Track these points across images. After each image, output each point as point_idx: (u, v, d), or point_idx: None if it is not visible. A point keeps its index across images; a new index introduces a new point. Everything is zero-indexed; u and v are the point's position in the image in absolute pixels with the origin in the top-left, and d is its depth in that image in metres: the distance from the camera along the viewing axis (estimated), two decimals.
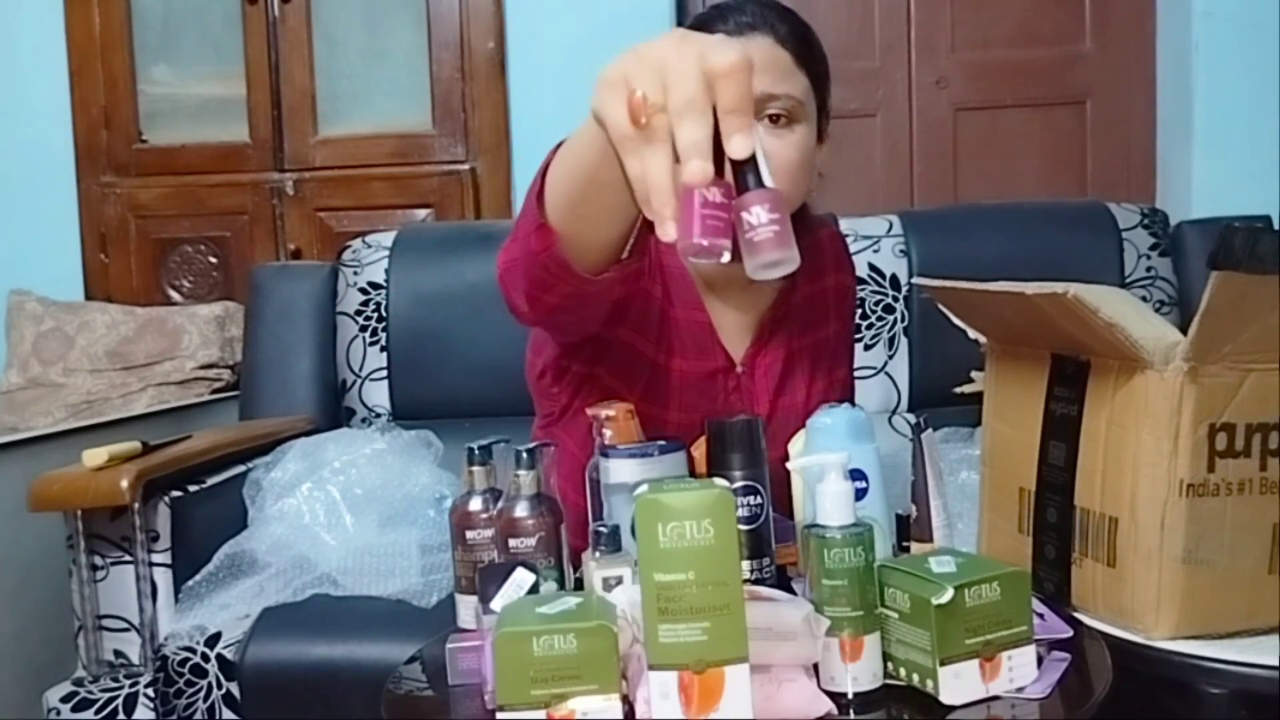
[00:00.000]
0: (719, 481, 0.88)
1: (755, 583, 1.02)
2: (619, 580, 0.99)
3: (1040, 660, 0.94)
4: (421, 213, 2.66)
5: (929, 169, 2.77)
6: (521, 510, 1.07)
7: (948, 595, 0.87)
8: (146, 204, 2.74)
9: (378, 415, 2.01)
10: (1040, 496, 1.17)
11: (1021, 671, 0.91)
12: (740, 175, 0.68)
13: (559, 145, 0.90)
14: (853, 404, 1.16)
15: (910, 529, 1.17)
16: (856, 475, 1.02)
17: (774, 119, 1.13)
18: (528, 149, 2.61)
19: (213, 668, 1.49)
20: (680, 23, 2.64)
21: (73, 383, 2.42)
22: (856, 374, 1.95)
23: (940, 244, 2.01)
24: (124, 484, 1.48)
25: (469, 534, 1.13)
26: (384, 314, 2.02)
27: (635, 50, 0.70)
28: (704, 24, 1.17)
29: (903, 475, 1.22)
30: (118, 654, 1.54)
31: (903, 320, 1.98)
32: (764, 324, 1.24)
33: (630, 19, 2.56)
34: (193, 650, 1.50)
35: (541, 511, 1.07)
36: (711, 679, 0.81)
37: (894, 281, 1.98)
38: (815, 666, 0.89)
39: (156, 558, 1.56)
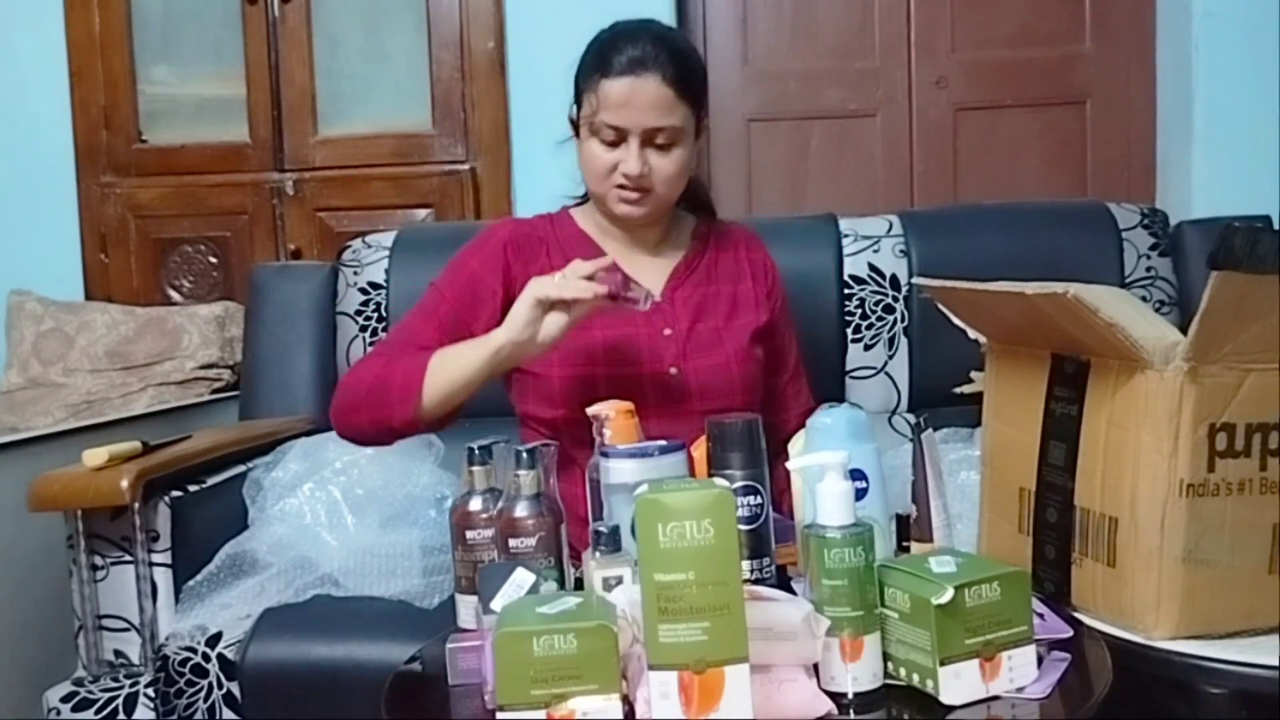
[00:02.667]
0: (719, 481, 0.88)
1: (755, 583, 1.02)
2: (619, 580, 0.99)
3: (1040, 660, 0.94)
4: (421, 213, 2.66)
5: (929, 169, 2.77)
6: (521, 510, 1.07)
7: (948, 595, 0.87)
8: (146, 204, 2.74)
9: None
10: (1040, 496, 1.18)
11: (1021, 671, 0.92)
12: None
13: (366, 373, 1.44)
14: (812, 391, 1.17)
15: (910, 529, 1.17)
16: (856, 475, 1.02)
17: (659, 146, 1.42)
18: (528, 149, 2.61)
19: (213, 668, 1.49)
20: (680, 23, 2.64)
21: (73, 383, 2.42)
22: (856, 374, 1.98)
23: (940, 244, 2.01)
24: (124, 484, 1.48)
25: (469, 534, 1.13)
26: (384, 314, 2.01)
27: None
28: (604, 53, 1.42)
29: (903, 475, 1.22)
30: (118, 654, 1.54)
31: (903, 320, 1.98)
32: (678, 268, 1.54)
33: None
34: (194, 650, 1.50)
35: (541, 511, 1.07)
36: (711, 679, 0.81)
37: (894, 281, 1.98)
38: (815, 666, 0.89)
39: (156, 558, 1.56)
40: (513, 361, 1.37)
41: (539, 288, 1.31)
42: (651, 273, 1.52)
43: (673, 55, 1.42)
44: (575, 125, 1.50)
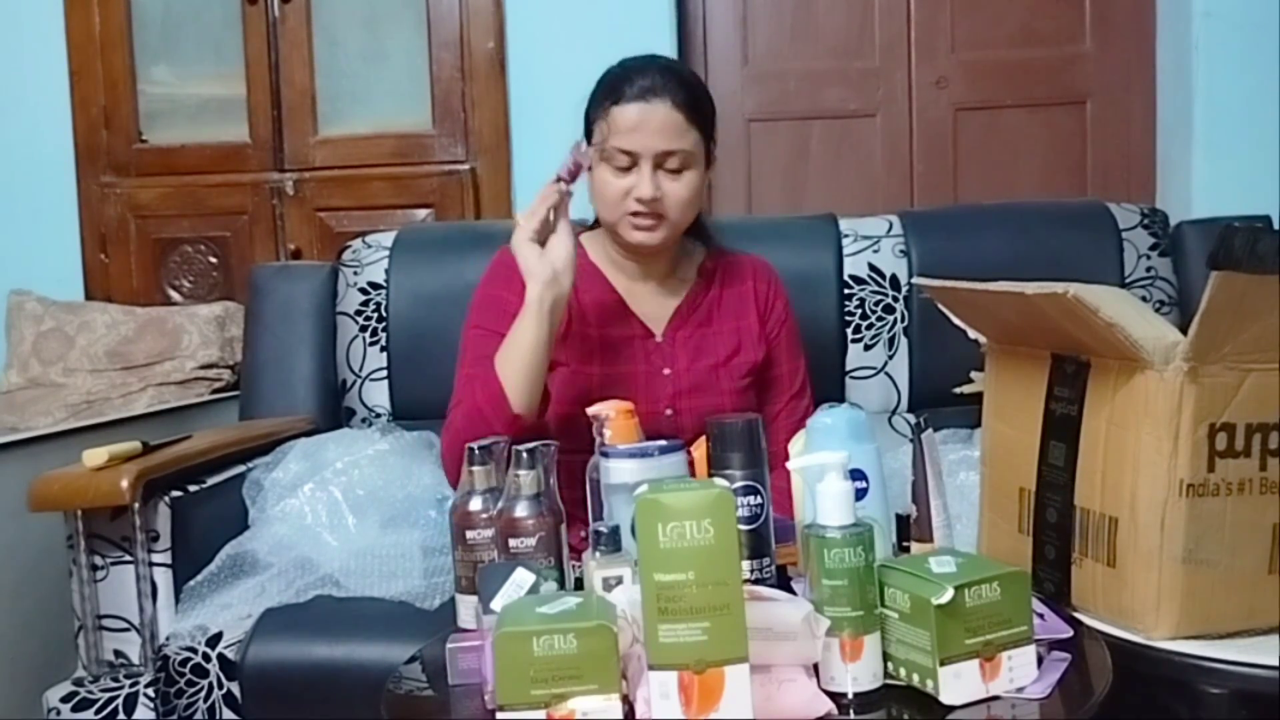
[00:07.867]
0: (719, 481, 0.88)
1: (755, 583, 1.02)
2: (619, 580, 0.99)
3: (1040, 660, 0.94)
4: (421, 213, 2.65)
5: (929, 169, 2.77)
6: (521, 510, 1.07)
7: (948, 595, 0.87)
8: (146, 204, 2.74)
9: (378, 415, 2.01)
10: (1040, 496, 1.18)
11: (1021, 671, 0.92)
12: None
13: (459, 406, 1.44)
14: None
15: (910, 529, 1.18)
16: (856, 475, 1.02)
17: (671, 171, 1.45)
18: (528, 149, 2.61)
19: (214, 668, 1.49)
20: (680, 23, 2.64)
21: (73, 383, 2.42)
22: (856, 374, 1.98)
23: (940, 244, 2.01)
24: (124, 484, 1.48)
25: (469, 534, 1.13)
26: (384, 314, 2.01)
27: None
28: (615, 84, 1.45)
29: (903, 475, 1.23)
30: (118, 654, 1.54)
31: (903, 320, 1.98)
32: (681, 308, 1.56)
33: (630, 19, 2.56)
34: (194, 650, 1.50)
35: (541, 511, 1.07)
36: (711, 679, 0.81)
37: (894, 281, 1.98)
38: (815, 666, 0.89)
39: (156, 558, 1.56)
40: (559, 304, 1.40)
41: (518, 233, 1.40)
42: (656, 308, 1.55)
43: (682, 83, 1.46)
44: None
